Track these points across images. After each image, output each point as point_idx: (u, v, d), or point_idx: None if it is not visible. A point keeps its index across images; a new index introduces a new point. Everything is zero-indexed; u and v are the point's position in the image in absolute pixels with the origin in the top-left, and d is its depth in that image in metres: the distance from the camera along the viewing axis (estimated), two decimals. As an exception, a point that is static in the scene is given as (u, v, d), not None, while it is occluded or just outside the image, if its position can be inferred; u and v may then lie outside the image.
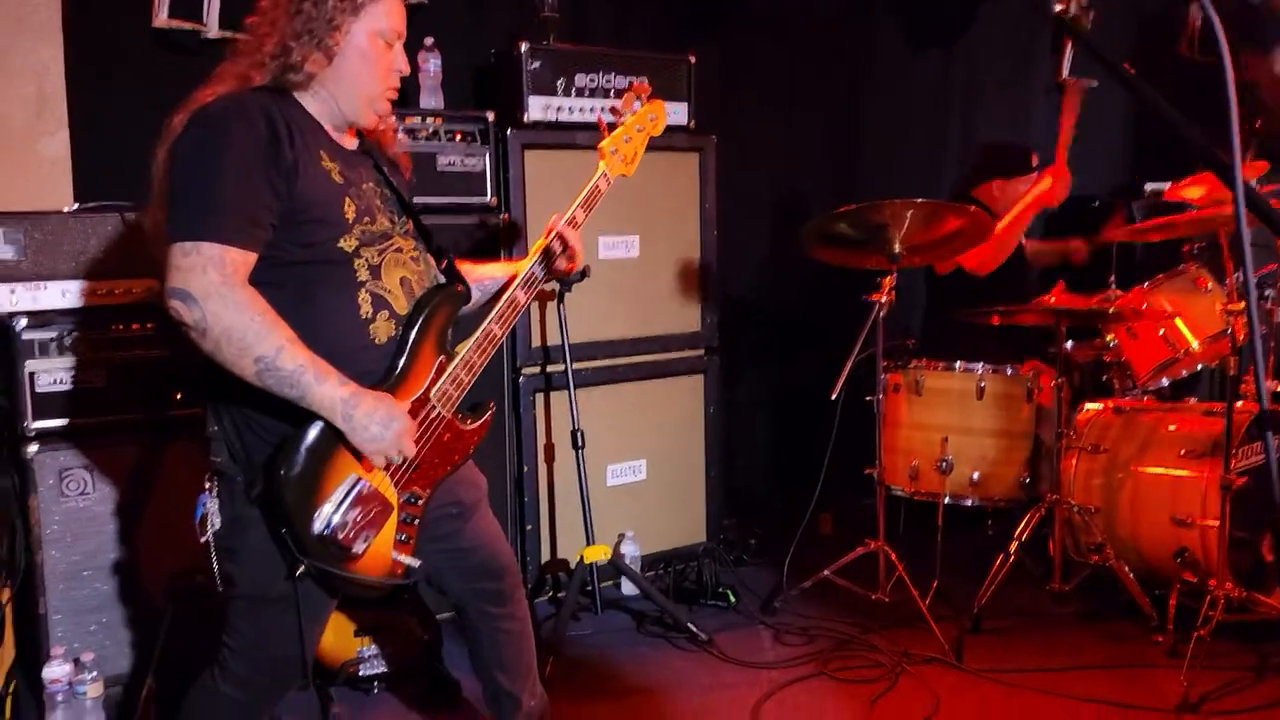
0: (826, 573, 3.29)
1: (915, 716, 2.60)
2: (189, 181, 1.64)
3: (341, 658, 2.73)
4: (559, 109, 3.26)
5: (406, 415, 1.74)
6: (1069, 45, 4.94)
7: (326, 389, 1.64)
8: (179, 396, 2.75)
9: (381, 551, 1.77)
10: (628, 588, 3.40)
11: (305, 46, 1.73)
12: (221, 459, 1.75)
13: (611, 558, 3.21)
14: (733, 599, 3.37)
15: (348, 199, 1.76)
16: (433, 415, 1.83)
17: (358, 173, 1.83)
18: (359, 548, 1.70)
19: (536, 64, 3.21)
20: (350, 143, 1.88)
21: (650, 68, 3.41)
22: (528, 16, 3.31)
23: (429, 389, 1.82)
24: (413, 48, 3.04)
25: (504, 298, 1.98)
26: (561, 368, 3.21)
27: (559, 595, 3.38)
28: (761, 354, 4.40)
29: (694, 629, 3.08)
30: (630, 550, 3.45)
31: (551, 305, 3.22)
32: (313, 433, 1.67)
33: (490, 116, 3.17)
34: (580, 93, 3.30)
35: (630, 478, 3.57)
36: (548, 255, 2.05)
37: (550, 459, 3.39)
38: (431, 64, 3.08)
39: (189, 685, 1.89)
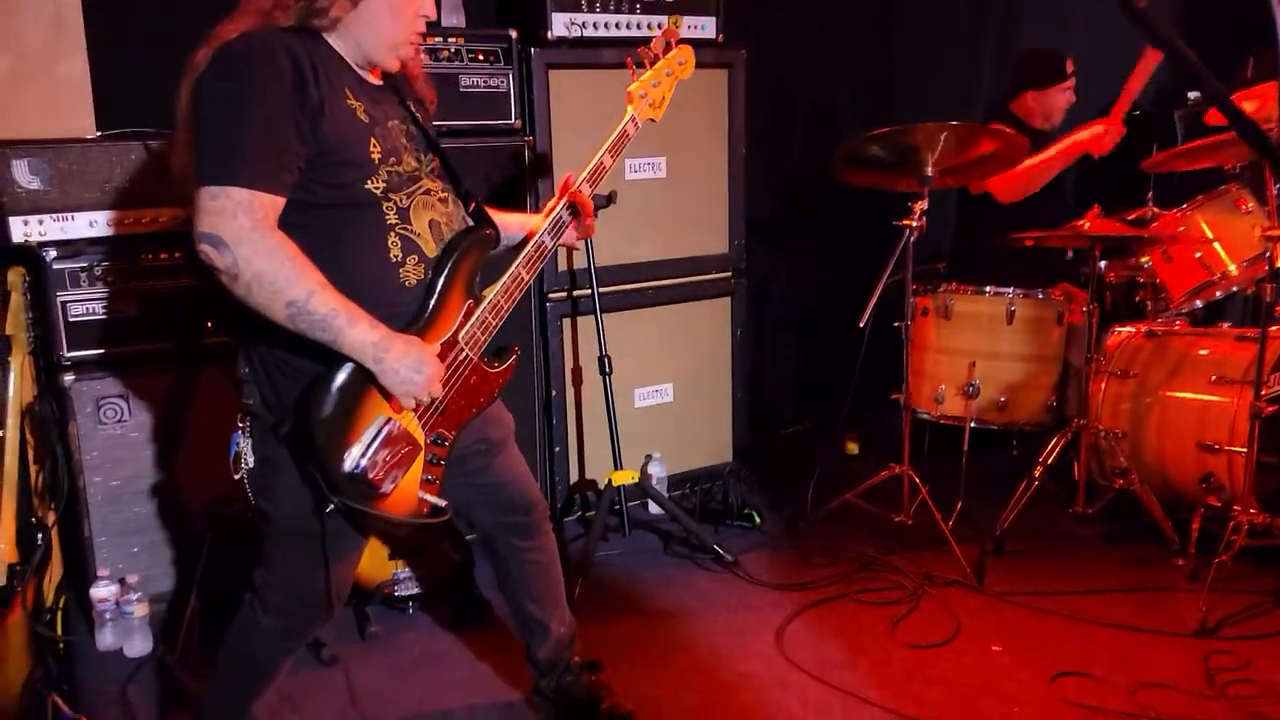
0: (850, 496, 3.33)
1: (936, 638, 2.66)
2: (215, 124, 1.62)
3: (377, 579, 2.81)
4: (584, 25, 3.17)
5: (436, 359, 1.76)
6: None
7: (359, 332, 1.65)
8: (210, 325, 2.78)
9: (409, 491, 1.80)
10: (655, 508, 3.46)
11: None
12: (254, 401, 1.78)
13: (639, 480, 3.26)
14: (758, 520, 3.42)
15: (373, 139, 1.74)
16: (460, 358, 1.84)
17: (383, 109, 1.80)
18: (388, 487, 1.73)
19: (560, -23, 3.10)
20: (375, 79, 1.85)
21: (677, -21, 3.30)
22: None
23: (457, 332, 1.84)
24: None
25: (532, 241, 1.98)
26: (588, 292, 3.21)
27: (587, 515, 3.45)
28: (790, 275, 4.36)
29: (720, 550, 3.14)
30: (657, 471, 3.50)
31: (577, 229, 3.18)
32: (343, 374, 1.68)
33: (513, 34, 3.09)
34: (605, 7, 3.20)
35: (657, 400, 3.59)
36: (558, 220, 2.04)
37: (578, 382, 3.41)
38: None
39: (230, 605, 1.97)
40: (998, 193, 3.60)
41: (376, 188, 1.73)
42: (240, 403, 1.80)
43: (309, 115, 1.64)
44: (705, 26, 3.38)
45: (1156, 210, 3.50)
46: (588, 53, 3.21)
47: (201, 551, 2.69)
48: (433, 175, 1.87)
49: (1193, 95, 4.66)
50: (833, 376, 3.92)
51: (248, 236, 1.58)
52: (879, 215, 3.35)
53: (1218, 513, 2.97)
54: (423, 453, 1.80)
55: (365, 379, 1.70)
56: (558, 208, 2.05)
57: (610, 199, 3.06)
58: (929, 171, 3.08)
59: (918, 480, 3.21)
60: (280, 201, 1.64)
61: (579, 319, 3.38)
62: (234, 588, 1.98)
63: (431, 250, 1.82)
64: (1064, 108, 3.76)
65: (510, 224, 2.09)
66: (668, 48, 2.22)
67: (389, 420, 1.73)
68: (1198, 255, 3.23)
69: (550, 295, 3.32)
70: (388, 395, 1.72)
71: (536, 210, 3.14)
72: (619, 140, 2.13)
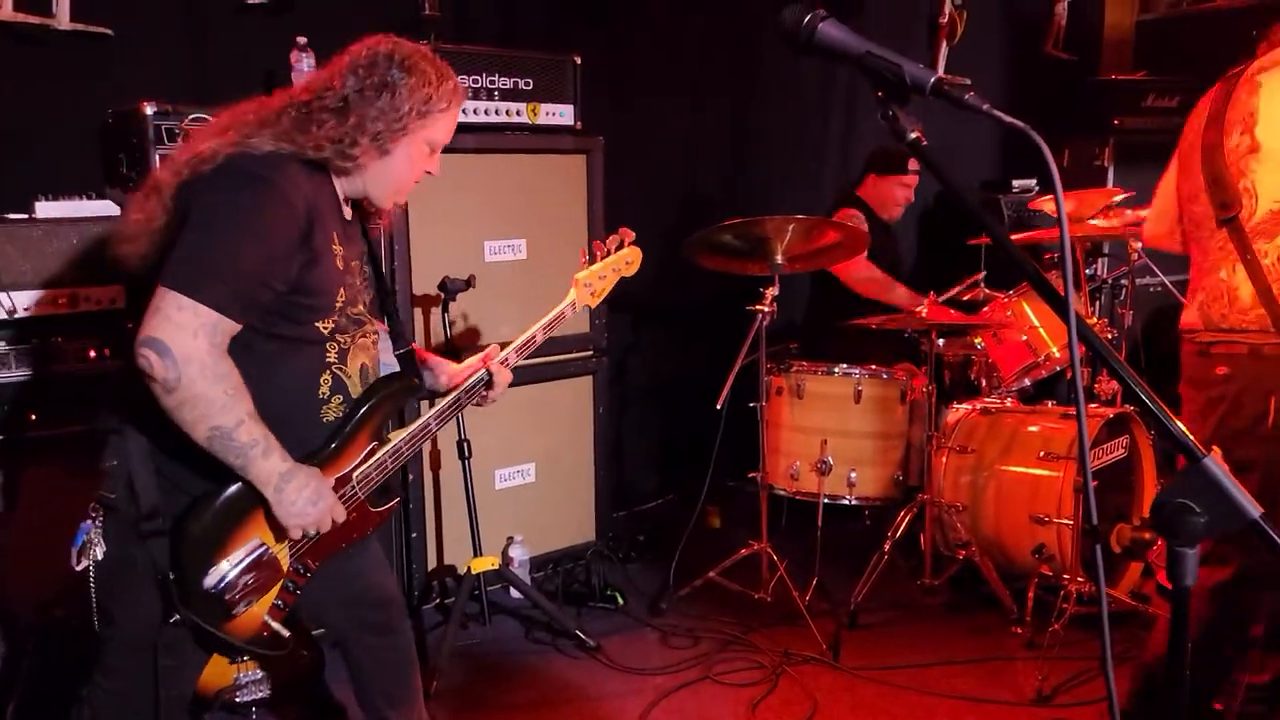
0: (712, 574, 3.38)
1: (794, 718, 2.71)
2: (210, 238, 1.60)
3: (217, 684, 2.64)
4: (441, 111, 3.17)
5: (332, 494, 1.76)
6: (943, 45, 5.13)
7: (270, 463, 1.65)
8: (33, 418, 2.61)
9: (255, 615, 1.77)
10: (517, 593, 3.41)
11: (369, 145, 1.72)
12: (116, 495, 1.72)
13: (499, 565, 3.21)
14: (621, 600, 3.42)
15: (343, 287, 1.77)
16: (349, 495, 1.84)
17: (352, 250, 1.83)
18: (239, 609, 1.71)
19: (417, 65, 3.11)
20: (349, 212, 1.86)
21: (535, 68, 3.36)
22: (408, 15, 3.21)
23: (353, 470, 1.84)
24: (285, 46, 2.95)
25: (448, 399, 2.02)
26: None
27: (446, 602, 3.36)
28: (652, 352, 4.43)
29: (582, 635, 3.12)
30: (519, 554, 3.46)
31: (436, 311, 3.17)
32: (233, 491, 1.68)
33: (369, 119, 3.06)
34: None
35: (519, 480, 3.57)
36: (477, 384, 2.08)
37: (436, 466, 3.35)
38: (305, 64, 2.95)
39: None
40: (848, 280, 3.82)
41: (326, 328, 1.75)
42: (98, 494, 1.74)
43: (302, 264, 1.66)
44: (564, 114, 3.45)
45: (988, 292, 3.75)
46: (446, 138, 3.22)
47: (22, 660, 2.49)
48: (374, 317, 1.91)
49: (1018, 183, 5.06)
50: (695, 451, 3.98)
51: (201, 358, 1.56)
52: (736, 293, 3.46)
53: (1050, 582, 3.16)
54: (281, 580, 1.78)
55: (254, 501, 1.69)
56: (480, 371, 2.08)
57: (469, 283, 3.06)
58: (779, 259, 3.21)
59: (775, 557, 3.29)
60: (238, 328, 1.63)
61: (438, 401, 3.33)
62: (60, 701, 1.86)
63: (356, 392, 1.84)
64: (900, 203, 4.02)
65: (436, 367, 2.11)
66: (620, 246, 2.35)
67: (263, 546, 1.72)
68: (1024, 338, 3.48)
69: (408, 378, 3.26)
70: (274, 523, 1.71)
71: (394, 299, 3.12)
72: (555, 320, 2.20)
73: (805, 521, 3.56)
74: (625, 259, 2.36)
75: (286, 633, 1.81)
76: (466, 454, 3.14)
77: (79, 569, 1.73)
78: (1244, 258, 2.14)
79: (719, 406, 3.17)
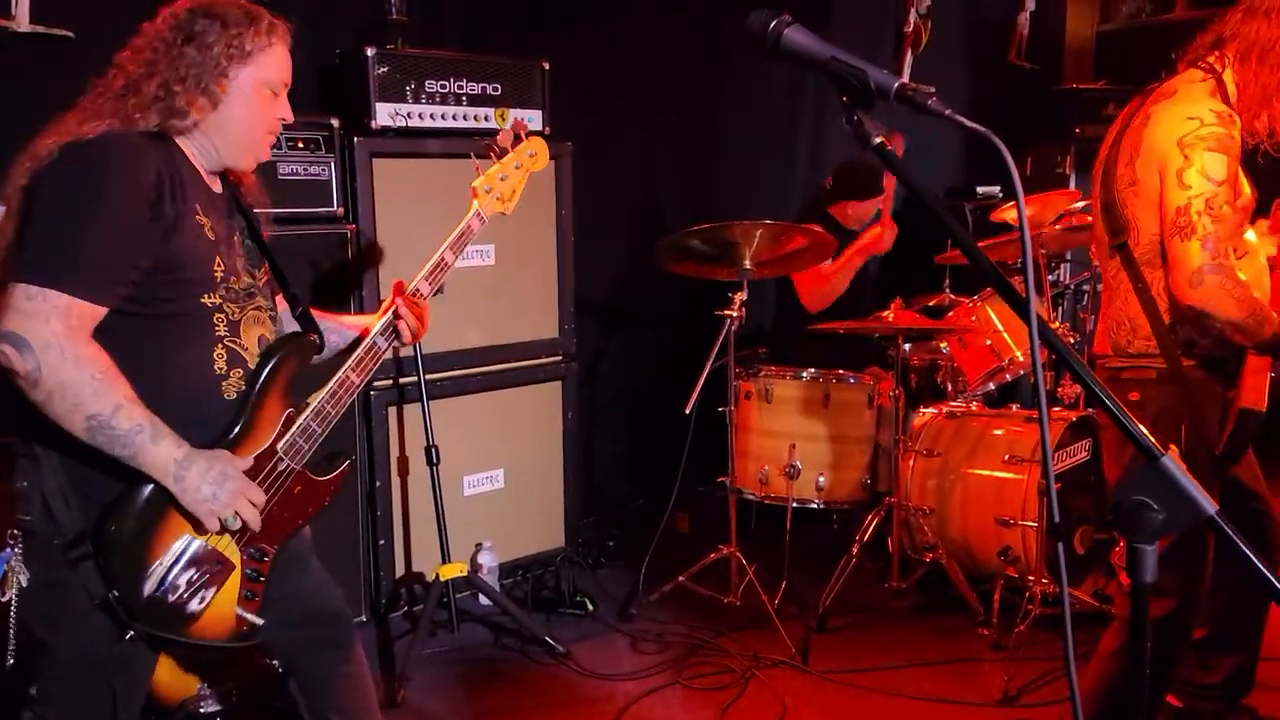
0: (681, 579, 3.38)
1: (763, 722, 2.72)
2: (52, 223, 1.54)
3: (180, 695, 2.60)
4: (409, 115, 3.17)
5: (241, 475, 1.68)
6: (908, 54, 5.19)
7: (161, 449, 1.58)
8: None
9: (224, 611, 1.72)
10: (486, 599, 3.39)
11: (190, 91, 1.66)
12: (33, 517, 1.64)
13: (468, 572, 3.19)
14: (590, 606, 3.41)
15: (218, 258, 1.71)
16: (280, 469, 1.77)
17: (225, 225, 1.77)
18: (194, 608, 1.66)
19: (384, 69, 3.10)
20: (217, 188, 1.81)
21: (503, 73, 3.36)
22: (375, 20, 3.20)
23: (276, 441, 1.76)
24: (250, 50, 2.91)
25: (363, 344, 1.92)
26: (415, 380, 3.16)
27: (414, 609, 3.34)
28: (621, 357, 4.43)
29: (551, 642, 3.10)
30: (488, 560, 3.44)
31: (403, 317, 3.14)
32: (144, 493, 1.61)
33: (335, 123, 3.05)
34: (431, 99, 3.21)
35: (487, 487, 3.55)
36: (390, 322, 1.97)
37: (404, 472, 3.32)
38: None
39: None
40: (808, 303, 3.84)
41: (212, 301, 1.70)
42: (15, 518, 1.66)
43: (160, 233, 1.60)
44: (532, 119, 3.45)
45: (953, 297, 3.80)
46: (414, 142, 3.21)
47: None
48: (264, 291, 1.84)
49: (982, 190, 5.13)
50: (664, 456, 3.99)
51: (58, 343, 1.51)
52: (706, 298, 3.48)
53: (1015, 583, 3.20)
54: (238, 570, 1.72)
55: (166, 497, 1.62)
56: (390, 309, 1.99)
57: (439, 289, 3.04)
58: (747, 264, 3.23)
59: (744, 561, 3.31)
60: (101, 312, 1.57)
61: (405, 407, 3.31)
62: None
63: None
64: (870, 215, 4.06)
65: (347, 325, 2.05)
66: (517, 140, 2.19)
67: (192, 540, 1.65)
68: (988, 343, 3.53)
69: (375, 384, 3.25)
70: (189, 514, 1.64)
71: (362, 310, 3.10)
72: (461, 236, 2.09)
73: (774, 525, 3.58)
74: (528, 152, 2.18)
75: (260, 621, 1.75)
76: (435, 460, 3.12)
77: (3, 600, 1.66)
78: (1135, 285, 2.14)
79: (688, 411, 3.18)
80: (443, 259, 2.08)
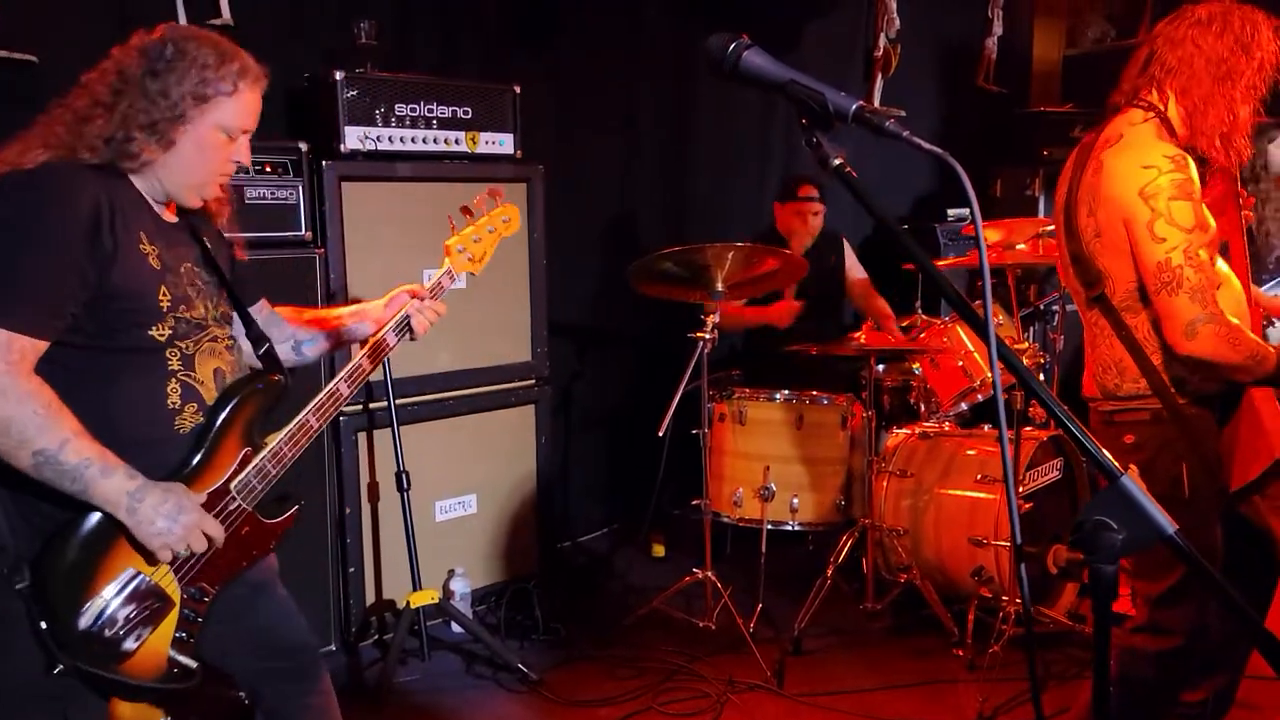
0: (656, 603, 3.36)
1: (738, 748, 2.70)
2: None
3: (144, 730, 2.55)
4: (378, 139, 3.16)
5: (198, 507, 1.65)
6: (878, 78, 5.25)
7: (113, 483, 1.56)
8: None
9: (157, 650, 1.67)
10: (458, 626, 3.35)
11: (144, 138, 1.63)
12: None
13: (439, 599, 3.15)
14: (564, 632, 3.37)
15: (164, 287, 1.66)
16: (231, 508, 1.73)
17: (176, 253, 1.73)
18: (129, 645, 1.62)
19: (353, 93, 3.09)
20: (171, 215, 1.78)
21: (474, 97, 3.36)
22: (344, 43, 3.19)
23: (229, 480, 1.73)
24: (217, 75, 2.90)
25: (325, 390, 1.88)
26: (385, 405, 3.13)
27: (385, 638, 3.29)
28: (595, 380, 4.42)
29: (524, 669, 3.06)
30: (460, 587, 3.40)
31: (373, 341, 3.12)
32: (90, 523, 1.59)
33: (304, 147, 3.03)
34: (401, 122, 3.21)
35: (460, 512, 3.51)
36: (356, 368, 1.93)
37: (374, 499, 3.29)
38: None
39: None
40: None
41: (161, 335, 1.66)
42: None
43: (97, 262, 1.57)
44: (503, 143, 3.45)
45: (925, 318, 3.82)
46: (383, 166, 3.20)
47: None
48: (221, 321, 1.80)
49: (953, 212, 5.17)
50: (639, 479, 3.97)
51: None
52: (679, 320, 3.47)
53: (989, 603, 3.20)
54: (176, 609, 1.68)
55: (115, 529, 1.60)
56: (355, 359, 1.95)
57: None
58: (719, 287, 3.24)
59: (719, 585, 3.29)
60: (43, 346, 1.55)
61: (375, 432, 3.28)
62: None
63: (213, 398, 1.74)
64: (799, 231, 4.07)
65: (342, 318, 2.05)
66: (493, 206, 2.21)
67: (137, 575, 1.63)
68: (960, 364, 3.54)
69: (345, 409, 3.20)
70: (142, 548, 1.61)
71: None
72: (434, 292, 2.07)
73: (749, 548, 3.56)
74: (501, 217, 2.20)
75: (194, 664, 1.71)
76: (405, 486, 3.09)
77: None
78: (1119, 332, 2.12)
79: (661, 433, 3.16)
80: (408, 316, 2.03)
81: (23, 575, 1.57)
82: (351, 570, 3.23)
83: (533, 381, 3.67)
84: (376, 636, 3.31)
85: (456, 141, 3.32)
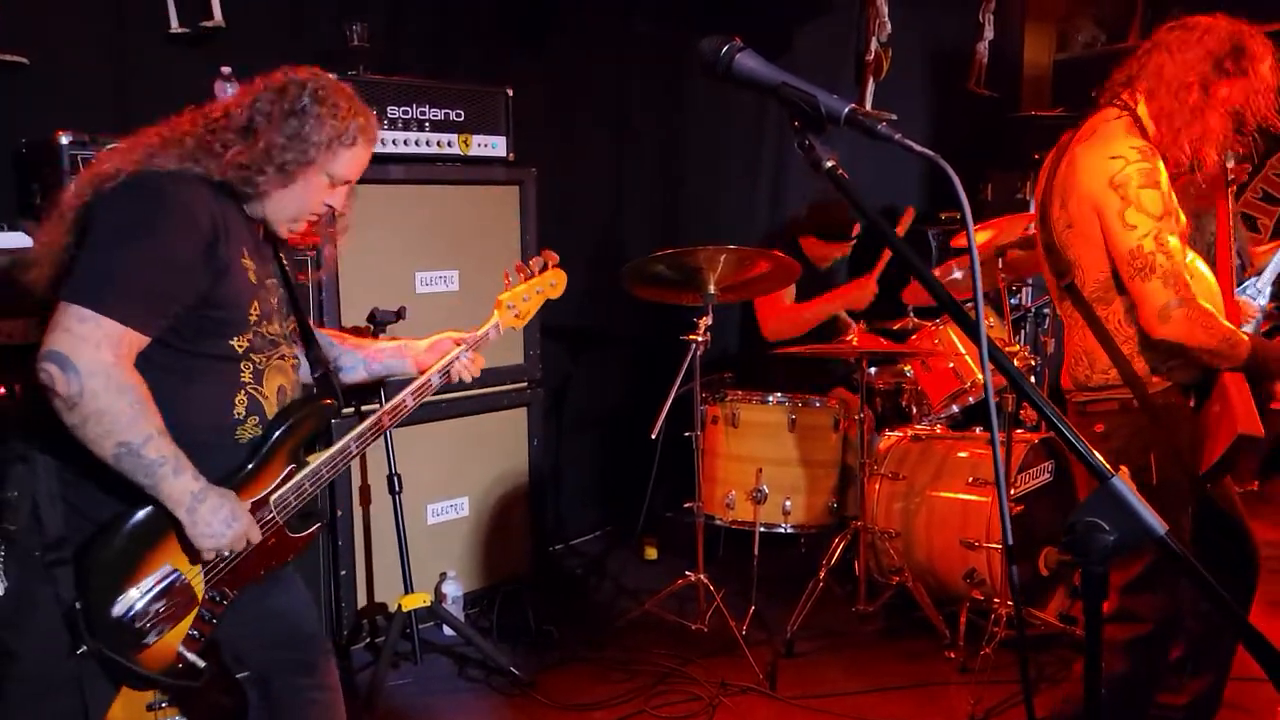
0: (648, 606, 3.35)
1: (731, 750, 2.70)
2: (111, 252, 1.58)
3: (134, 733, 2.54)
4: (371, 141, 3.15)
5: (249, 515, 1.73)
6: (870, 82, 5.26)
7: (181, 482, 1.63)
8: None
9: (169, 645, 1.73)
10: (450, 630, 3.34)
11: (273, 174, 1.72)
12: (17, 526, 1.66)
13: (431, 602, 3.15)
14: (556, 635, 3.37)
15: (256, 301, 1.75)
16: (267, 519, 1.80)
17: (266, 269, 1.82)
18: (151, 639, 1.68)
19: (346, 95, 3.08)
20: (261, 232, 1.86)
21: (466, 99, 3.36)
22: (336, 45, 3.19)
23: (271, 494, 1.80)
24: (209, 77, 2.90)
25: (370, 419, 1.99)
26: (376, 408, 3.11)
27: (377, 641, 3.28)
28: (588, 383, 4.42)
29: (516, 672, 3.06)
30: (452, 590, 3.39)
31: (366, 344, 3.11)
32: (141, 515, 1.66)
33: (296, 149, 3.02)
34: (393, 124, 3.20)
35: (452, 515, 3.51)
36: (400, 404, 2.08)
37: (366, 502, 3.28)
38: (229, 94, 2.90)
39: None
40: (767, 334, 3.86)
41: (241, 346, 1.74)
42: (1, 528, 1.68)
43: (211, 275, 1.65)
44: (496, 145, 3.45)
45: (916, 321, 3.83)
46: (375, 168, 3.13)
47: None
48: (290, 340, 1.88)
49: (946, 215, 5.19)
50: (631, 482, 3.97)
51: (105, 370, 1.54)
52: (672, 322, 3.47)
53: (981, 606, 3.20)
54: (197, 608, 1.74)
55: (164, 525, 1.67)
56: (401, 395, 2.08)
57: (399, 314, 3.03)
58: (712, 289, 3.24)
59: (712, 587, 3.29)
60: (145, 341, 1.61)
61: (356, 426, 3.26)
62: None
63: (273, 413, 1.81)
64: (835, 257, 4.11)
65: (382, 351, 2.16)
66: (545, 268, 2.34)
67: (174, 571, 1.69)
68: (951, 366, 3.55)
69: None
70: (186, 546, 1.68)
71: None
72: (479, 343, 2.20)
73: (742, 550, 3.56)
74: (549, 280, 2.35)
75: (202, 664, 1.76)
76: (397, 488, 3.08)
77: None
78: (1090, 324, 2.16)
79: (653, 436, 3.16)
80: (456, 359, 2.16)
81: (60, 551, 1.63)
82: (343, 573, 3.22)
83: (525, 384, 3.66)
84: (368, 640, 3.30)
85: (449, 144, 3.32)
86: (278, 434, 1.80)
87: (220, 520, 1.66)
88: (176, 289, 1.62)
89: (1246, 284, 2.48)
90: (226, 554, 1.72)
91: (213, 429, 1.73)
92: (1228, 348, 2.06)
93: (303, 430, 1.85)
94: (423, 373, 2.12)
